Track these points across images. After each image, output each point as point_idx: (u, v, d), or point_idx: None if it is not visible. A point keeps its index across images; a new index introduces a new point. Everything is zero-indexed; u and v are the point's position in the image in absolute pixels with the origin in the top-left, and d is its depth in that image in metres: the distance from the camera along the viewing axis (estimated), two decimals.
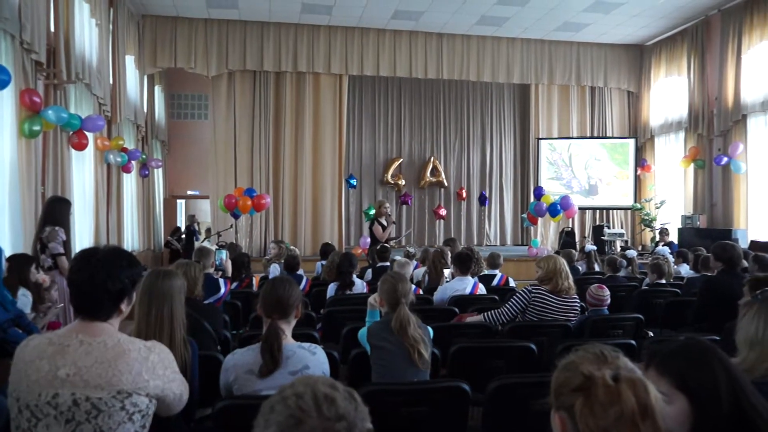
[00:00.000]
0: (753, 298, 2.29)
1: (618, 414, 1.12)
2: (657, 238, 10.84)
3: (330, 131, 12.10)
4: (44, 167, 6.55)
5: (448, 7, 10.71)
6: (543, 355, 3.36)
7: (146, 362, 1.75)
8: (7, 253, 4.22)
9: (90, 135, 7.32)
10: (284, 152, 11.89)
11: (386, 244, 7.40)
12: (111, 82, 8.94)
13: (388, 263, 6.45)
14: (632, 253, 7.61)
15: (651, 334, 4.71)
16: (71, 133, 6.90)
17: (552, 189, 12.23)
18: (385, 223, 8.57)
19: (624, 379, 1.15)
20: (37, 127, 5.97)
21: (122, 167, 9.20)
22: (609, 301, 4.22)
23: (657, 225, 11.61)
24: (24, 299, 4.02)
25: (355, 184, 13.19)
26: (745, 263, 5.13)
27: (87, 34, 7.81)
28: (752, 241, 9.27)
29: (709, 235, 9.76)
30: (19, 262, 4.18)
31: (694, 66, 11.37)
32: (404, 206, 13.73)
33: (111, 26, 9.10)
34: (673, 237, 10.84)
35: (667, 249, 8.67)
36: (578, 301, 4.07)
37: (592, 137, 13.24)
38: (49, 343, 1.72)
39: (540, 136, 13.10)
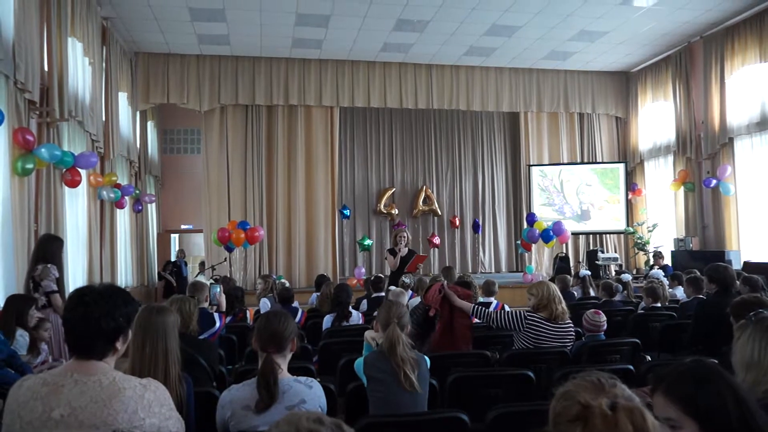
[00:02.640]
0: (747, 320, 2.30)
1: None
2: (651, 262, 10.88)
3: (322, 163, 12.17)
4: (37, 204, 6.54)
5: (437, 38, 10.91)
6: (541, 383, 3.34)
7: (142, 400, 1.73)
8: (0, 291, 4.19)
9: (83, 172, 7.34)
10: (277, 184, 11.93)
11: (380, 275, 7.37)
12: (104, 118, 8.99)
13: (383, 293, 6.43)
14: (627, 277, 7.61)
15: (648, 358, 4.69)
16: (64, 170, 6.92)
17: (544, 215, 12.30)
18: (399, 251, 8.04)
19: (621, 408, 1.15)
20: (30, 165, 5.99)
21: (115, 203, 9.20)
22: (605, 327, 4.21)
23: (650, 248, 11.66)
24: (21, 340, 3.98)
25: (348, 214, 13.21)
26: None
27: (80, 73, 7.88)
28: (745, 262, 9.31)
29: (702, 257, 9.80)
30: (19, 303, 4.15)
31: (680, 91, 11.58)
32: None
33: (104, 64, 9.20)
34: (667, 260, 10.88)
35: (661, 272, 8.69)
36: (572, 326, 4.07)
37: (582, 163, 13.38)
38: (43, 383, 1.70)
39: (531, 163, 13.22)
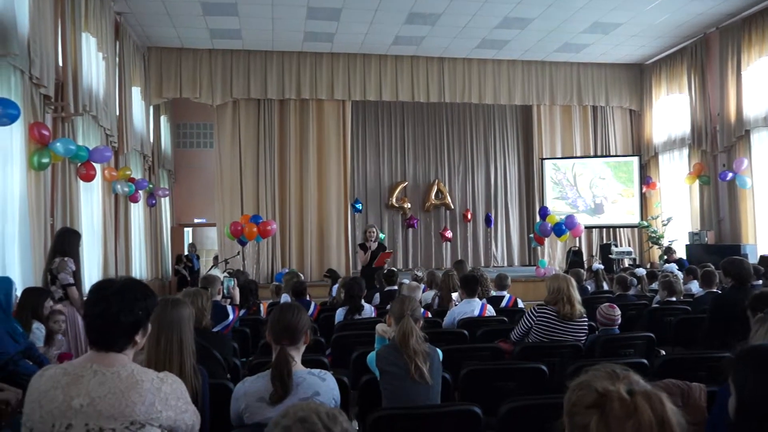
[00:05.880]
0: (765, 313, 2.28)
1: (635, 427, 1.11)
2: (665, 256, 10.79)
3: (334, 157, 12.18)
4: (53, 199, 6.61)
5: (449, 31, 10.85)
6: (554, 376, 3.33)
7: (159, 393, 1.75)
8: (18, 284, 4.24)
9: (98, 166, 7.40)
10: (289, 178, 11.96)
11: (393, 269, 7.41)
12: (118, 113, 9.06)
13: (395, 287, 6.44)
14: (641, 271, 7.57)
15: (663, 352, 4.67)
16: (79, 164, 6.98)
17: (557, 209, 12.23)
18: (369, 246, 8.44)
19: (639, 393, 1.15)
20: (45, 160, 6.05)
21: (130, 197, 9.28)
22: (620, 321, 4.19)
23: (664, 242, 11.56)
24: (38, 332, 4.04)
25: (360, 208, 13.23)
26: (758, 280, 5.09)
27: (94, 68, 7.95)
28: (762, 256, 9.20)
29: (717, 251, 9.71)
30: (33, 295, 4.21)
31: (695, 83, 11.44)
32: (410, 229, 13.74)
33: (117, 59, 9.26)
34: (681, 254, 10.79)
35: (674, 266, 8.62)
36: (586, 320, 4.05)
37: (595, 156, 13.28)
38: (63, 373, 1.72)
39: (543, 157, 13.14)
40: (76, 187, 7.14)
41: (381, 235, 12.76)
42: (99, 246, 8.12)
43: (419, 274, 7.59)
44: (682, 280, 6.34)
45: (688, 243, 11.13)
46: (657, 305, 5.72)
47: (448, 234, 13.64)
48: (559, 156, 13.26)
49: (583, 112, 13.51)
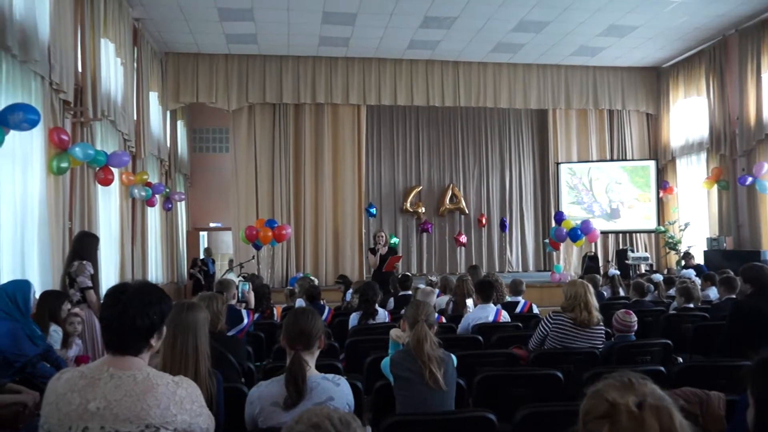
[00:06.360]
0: None
1: None
2: (683, 262, 10.66)
3: (349, 161, 12.21)
4: (71, 203, 6.70)
5: (464, 35, 10.84)
6: (569, 383, 3.30)
7: (174, 396, 1.76)
8: (36, 287, 4.30)
9: (115, 170, 7.49)
10: (304, 183, 12.01)
11: (407, 273, 7.41)
12: (135, 118, 9.16)
13: (410, 292, 6.43)
14: (658, 277, 7.49)
15: (680, 359, 4.61)
16: (97, 168, 7.06)
17: (573, 213, 12.14)
18: (378, 250, 8.51)
19: (648, 407, 1.14)
20: (64, 164, 6.13)
21: (146, 201, 9.37)
22: (636, 327, 4.14)
23: (682, 248, 11.42)
24: (55, 335, 4.09)
25: (375, 212, 13.23)
26: None
27: (112, 73, 8.05)
28: None
29: (736, 256, 9.57)
30: (51, 298, 4.26)
31: (714, 86, 11.31)
32: (424, 234, 13.72)
33: (135, 64, 9.37)
34: (699, 259, 10.65)
35: (692, 272, 8.52)
36: (603, 328, 4.00)
37: (611, 160, 13.17)
38: (80, 376, 1.74)
39: (559, 161, 13.06)
40: (94, 191, 7.23)
41: (395, 240, 12.79)
42: (116, 249, 8.21)
43: (433, 279, 7.57)
44: (699, 287, 6.27)
45: (706, 249, 10.99)
46: (674, 312, 5.65)
47: (463, 239, 13.59)
48: (575, 160, 13.17)
49: (599, 116, 13.41)
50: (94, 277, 5.05)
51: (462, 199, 13.70)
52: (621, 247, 12.82)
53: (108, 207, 7.93)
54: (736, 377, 3.12)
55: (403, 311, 3.41)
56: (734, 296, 5.23)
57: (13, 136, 5.10)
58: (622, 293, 7.62)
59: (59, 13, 6.28)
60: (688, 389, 2.42)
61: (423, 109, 13.39)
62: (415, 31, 10.60)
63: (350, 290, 7.02)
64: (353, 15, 9.77)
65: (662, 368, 3.32)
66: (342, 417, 1.18)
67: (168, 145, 11.48)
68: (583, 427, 1.22)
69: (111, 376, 1.73)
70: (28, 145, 5.72)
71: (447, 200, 13.62)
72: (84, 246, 5.12)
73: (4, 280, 4.49)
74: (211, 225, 14.07)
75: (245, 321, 4.76)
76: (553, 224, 11.69)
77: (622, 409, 1.15)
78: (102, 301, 1.89)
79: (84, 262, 4.96)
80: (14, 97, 5.37)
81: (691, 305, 5.62)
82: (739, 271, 4.77)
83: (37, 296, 4.15)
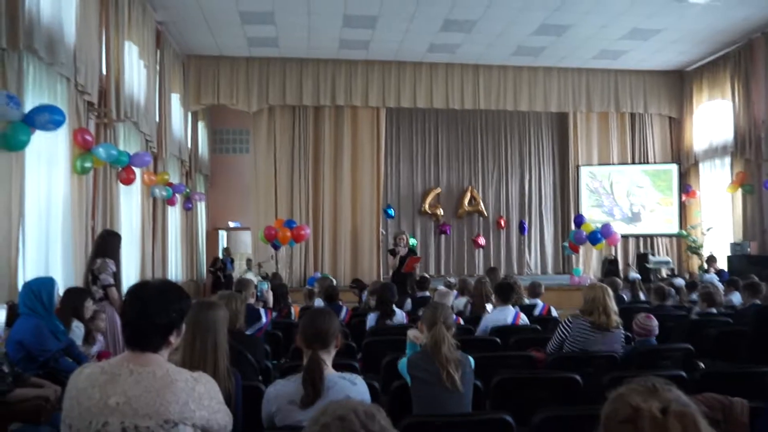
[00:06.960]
0: None
1: None
2: (705, 266, 10.50)
3: (368, 163, 12.24)
4: (94, 202, 6.81)
5: (484, 38, 10.80)
6: (589, 387, 3.26)
7: (193, 393, 1.77)
8: (60, 284, 4.38)
9: (137, 170, 7.60)
10: (323, 184, 12.07)
11: (425, 275, 7.40)
12: (157, 119, 9.29)
13: (427, 293, 6.42)
14: (680, 281, 7.39)
15: (702, 365, 4.53)
16: (120, 169, 7.18)
17: (593, 217, 12.03)
18: (398, 252, 8.46)
19: (672, 412, 1.12)
20: (88, 164, 6.24)
21: (167, 201, 9.49)
22: (657, 331, 4.09)
23: (704, 252, 11.24)
24: (77, 331, 4.16)
25: (393, 214, 13.24)
26: None
27: (136, 75, 8.17)
28: None
29: (761, 262, 9.40)
30: (74, 295, 4.34)
31: (739, 90, 11.12)
32: (442, 236, 13.69)
33: (158, 67, 9.50)
34: (722, 264, 10.47)
35: (715, 276, 8.39)
36: (623, 333, 3.95)
37: (633, 163, 13.02)
38: (101, 371, 1.76)
39: (580, 164, 12.95)
40: (116, 190, 7.35)
41: (413, 242, 12.77)
42: (137, 248, 8.32)
43: (451, 280, 7.55)
44: (722, 292, 6.16)
45: (729, 254, 10.80)
46: (696, 317, 5.57)
47: (481, 241, 13.54)
48: (596, 163, 13.05)
49: (620, 119, 13.27)
50: (116, 275, 5.12)
51: (481, 201, 13.65)
52: (641, 251, 12.65)
53: (130, 206, 8.04)
54: (759, 384, 3.06)
55: (420, 312, 3.40)
56: (758, 301, 5.14)
57: (39, 136, 5.20)
58: (642, 297, 7.52)
59: (85, 17, 6.40)
60: (710, 395, 2.38)
61: (442, 111, 13.37)
62: (436, 35, 10.59)
63: (365, 291, 7.03)
64: (374, 18, 9.79)
65: (683, 373, 3.27)
66: (367, 410, 1.18)
67: (189, 146, 11.61)
68: (604, 431, 1.20)
69: (131, 372, 1.75)
70: (53, 145, 5.84)
71: (466, 202, 13.58)
72: (107, 244, 5.20)
73: (30, 277, 4.57)
74: (231, 225, 14.19)
75: (263, 320, 4.80)
76: (573, 227, 11.58)
77: (646, 414, 1.13)
78: (124, 299, 1.92)
79: (107, 260, 5.03)
80: (40, 98, 5.48)
81: (714, 310, 5.53)
82: (764, 277, 4.68)
83: (61, 293, 4.22)
